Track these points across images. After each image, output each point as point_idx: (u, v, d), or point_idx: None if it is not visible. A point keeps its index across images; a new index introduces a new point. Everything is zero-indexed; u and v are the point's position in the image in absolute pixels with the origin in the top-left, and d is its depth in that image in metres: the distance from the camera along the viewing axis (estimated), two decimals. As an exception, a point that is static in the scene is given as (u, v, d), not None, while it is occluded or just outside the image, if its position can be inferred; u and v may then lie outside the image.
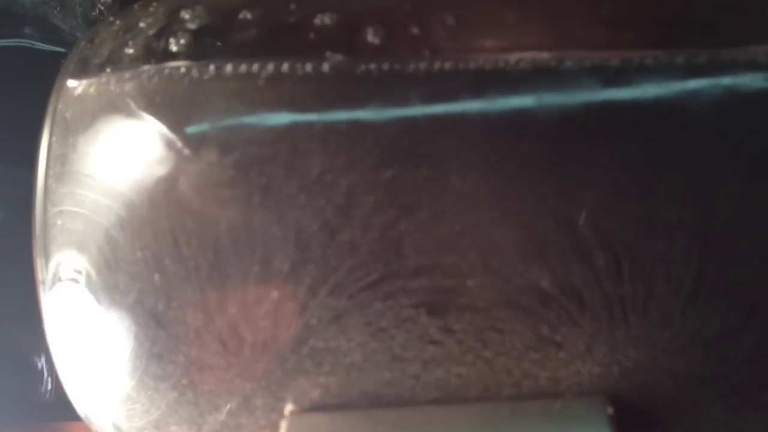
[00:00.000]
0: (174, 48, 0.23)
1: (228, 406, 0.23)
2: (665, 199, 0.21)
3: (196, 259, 0.22)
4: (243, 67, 0.22)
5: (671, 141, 0.21)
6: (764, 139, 0.21)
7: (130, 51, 0.23)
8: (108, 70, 0.23)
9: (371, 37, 0.22)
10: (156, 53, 0.23)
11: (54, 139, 0.24)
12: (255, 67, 0.22)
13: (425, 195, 0.21)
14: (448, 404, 0.22)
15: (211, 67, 0.22)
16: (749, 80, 0.21)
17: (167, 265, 0.22)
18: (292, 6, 0.23)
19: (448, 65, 0.21)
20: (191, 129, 0.22)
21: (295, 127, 0.21)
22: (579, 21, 0.22)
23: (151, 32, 0.23)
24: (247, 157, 0.21)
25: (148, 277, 0.22)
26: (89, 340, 0.23)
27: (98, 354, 0.23)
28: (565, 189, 0.21)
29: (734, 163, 0.21)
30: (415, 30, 0.22)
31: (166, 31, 0.23)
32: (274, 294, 0.22)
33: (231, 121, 0.22)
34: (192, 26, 0.23)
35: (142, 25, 0.24)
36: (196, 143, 0.22)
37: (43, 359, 0.39)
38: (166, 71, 0.22)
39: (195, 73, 0.22)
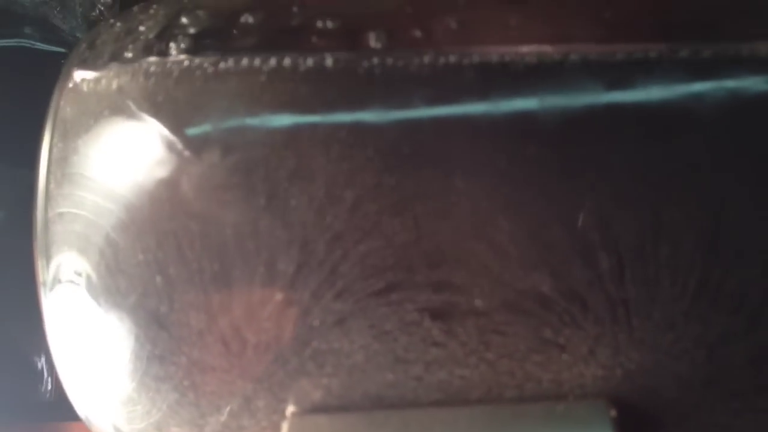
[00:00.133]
0: (174, 51, 0.23)
1: (229, 408, 0.23)
2: (669, 202, 0.21)
3: (199, 261, 0.22)
4: (245, 62, 0.22)
5: (675, 143, 0.21)
6: (766, 140, 0.21)
7: (130, 55, 0.23)
8: (109, 70, 0.23)
9: (373, 41, 0.22)
10: (156, 55, 0.23)
11: (55, 140, 0.24)
12: (257, 61, 0.22)
13: (429, 197, 0.21)
14: (450, 406, 0.22)
15: (213, 64, 0.22)
16: (754, 82, 0.21)
17: (170, 267, 0.22)
18: (294, 9, 0.23)
19: (452, 61, 0.21)
20: (193, 130, 0.22)
21: (297, 128, 0.21)
22: (582, 22, 0.22)
23: (151, 35, 0.23)
24: (250, 158, 0.21)
25: (150, 279, 0.22)
26: (90, 341, 0.23)
27: (99, 356, 0.23)
28: (569, 191, 0.21)
29: (739, 166, 0.21)
30: (418, 32, 0.22)
31: (166, 34, 0.23)
32: (279, 296, 0.22)
33: (233, 122, 0.22)
34: (193, 29, 0.23)
35: (142, 28, 0.24)
36: (197, 144, 0.22)
37: (43, 359, 0.39)
38: (168, 65, 0.22)
39: (196, 69, 0.22)
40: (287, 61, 0.22)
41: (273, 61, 0.22)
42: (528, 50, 0.21)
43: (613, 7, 0.22)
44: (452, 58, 0.21)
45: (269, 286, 0.22)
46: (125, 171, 0.22)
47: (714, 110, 0.21)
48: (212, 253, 0.22)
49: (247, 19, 0.23)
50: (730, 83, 0.21)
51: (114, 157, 0.22)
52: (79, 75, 0.24)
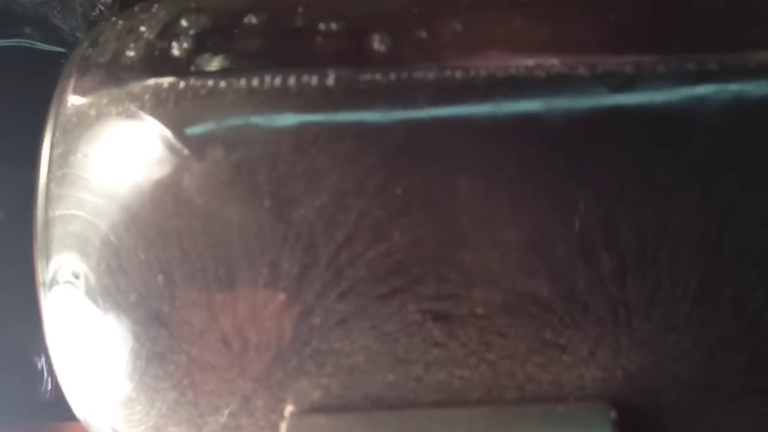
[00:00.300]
0: (176, 53, 0.23)
1: (228, 407, 0.23)
2: (671, 205, 0.21)
3: (202, 259, 0.22)
4: (247, 82, 0.22)
5: (678, 147, 0.21)
6: None
7: (132, 54, 0.23)
8: (109, 74, 0.23)
9: (377, 44, 0.22)
10: (158, 59, 0.23)
11: (56, 141, 0.23)
12: (257, 81, 0.22)
13: (433, 199, 0.21)
14: (450, 407, 0.22)
15: (213, 82, 0.22)
16: (757, 86, 0.21)
17: (171, 266, 0.22)
18: (299, 9, 0.23)
19: (456, 73, 0.21)
20: (194, 129, 0.22)
21: (302, 128, 0.21)
22: (587, 28, 0.22)
23: (152, 36, 0.23)
24: (253, 157, 0.21)
25: (151, 278, 0.22)
26: (89, 342, 0.23)
27: (98, 356, 0.23)
28: (573, 194, 0.21)
29: (741, 169, 0.21)
30: (423, 35, 0.22)
31: (168, 34, 0.23)
32: (282, 296, 0.22)
33: (236, 121, 0.22)
34: (194, 31, 0.23)
35: (143, 28, 0.24)
36: (199, 143, 0.22)
37: (43, 359, 0.39)
38: (167, 85, 0.22)
39: (198, 87, 0.22)
40: (291, 80, 0.22)
41: (278, 80, 0.22)
42: (533, 55, 0.21)
43: (618, 12, 0.22)
44: (457, 65, 0.21)
45: (273, 286, 0.22)
46: (126, 171, 0.22)
47: (717, 114, 0.21)
48: (215, 252, 0.22)
49: (251, 19, 0.23)
50: (733, 87, 0.21)
51: (115, 158, 0.22)
52: (81, 75, 0.24)
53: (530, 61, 0.21)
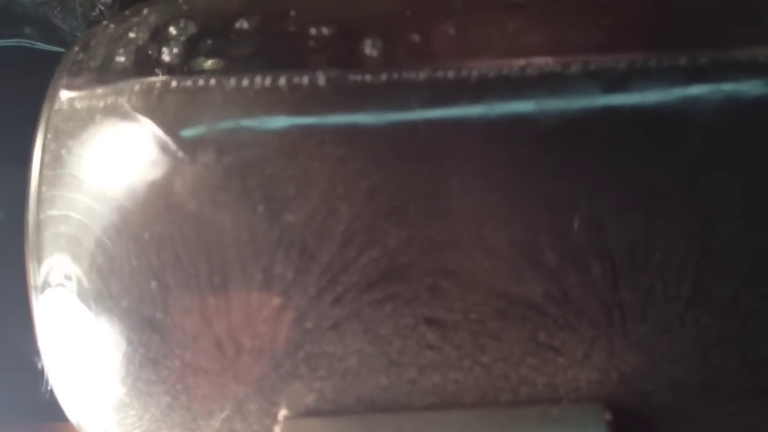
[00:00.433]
0: (167, 58, 0.22)
1: (222, 411, 0.23)
2: (664, 205, 0.21)
3: (195, 265, 0.22)
4: (237, 81, 0.22)
5: (671, 147, 0.21)
6: (764, 145, 0.21)
7: (122, 59, 0.23)
8: (100, 76, 0.23)
9: (369, 49, 0.22)
10: (149, 63, 0.23)
11: (47, 141, 0.23)
12: (248, 81, 0.22)
13: (426, 203, 0.21)
14: (444, 410, 0.22)
15: (206, 81, 0.22)
16: (751, 85, 0.21)
17: (165, 271, 0.22)
18: (291, 13, 0.23)
19: (447, 72, 0.21)
20: (187, 131, 0.22)
21: (293, 131, 0.21)
22: (581, 26, 0.22)
23: (143, 41, 0.23)
24: (245, 160, 0.21)
25: (144, 282, 0.22)
26: (81, 346, 0.23)
27: (90, 360, 0.23)
28: (564, 195, 0.21)
29: (734, 170, 0.21)
30: (415, 38, 0.22)
31: (159, 39, 0.23)
32: (275, 301, 0.21)
33: (228, 123, 0.22)
34: (186, 35, 0.23)
35: (134, 31, 0.24)
36: (192, 145, 0.21)
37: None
38: (158, 85, 0.22)
39: (189, 87, 0.22)
40: (282, 81, 0.21)
41: (268, 81, 0.22)
42: (527, 56, 0.21)
43: (611, 12, 0.22)
44: (449, 66, 0.21)
45: (266, 291, 0.21)
46: (118, 172, 0.22)
47: (710, 114, 0.21)
48: (208, 256, 0.21)
49: (243, 24, 0.23)
50: (727, 87, 0.21)
51: (107, 158, 0.22)
52: (72, 77, 0.24)
53: (522, 60, 0.21)
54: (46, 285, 0.23)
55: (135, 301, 0.22)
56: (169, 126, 0.22)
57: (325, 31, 0.22)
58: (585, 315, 0.21)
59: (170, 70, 0.22)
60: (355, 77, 0.21)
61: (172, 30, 0.23)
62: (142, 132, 0.22)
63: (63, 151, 0.23)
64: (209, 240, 0.21)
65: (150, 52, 0.23)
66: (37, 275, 0.23)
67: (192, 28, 0.23)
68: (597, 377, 0.22)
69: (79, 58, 0.24)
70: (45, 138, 0.23)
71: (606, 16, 0.22)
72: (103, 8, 0.34)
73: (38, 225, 0.23)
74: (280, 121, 0.21)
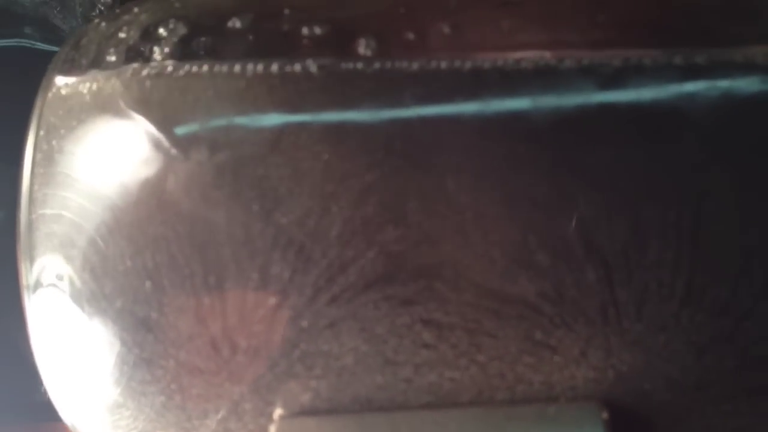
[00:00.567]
0: (158, 55, 0.22)
1: (217, 411, 0.23)
2: (658, 203, 0.21)
3: (190, 265, 0.21)
4: (229, 68, 0.22)
5: (666, 144, 0.21)
6: (759, 143, 0.21)
7: (113, 59, 0.23)
8: (91, 74, 0.23)
9: (363, 48, 0.22)
10: (140, 58, 0.23)
11: (39, 139, 0.23)
12: (239, 68, 0.22)
13: (421, 202, 0.21)
14: (440, 408, 0.22)
15: (198, 67, 0.22)
16: (746, 83, 0.21)
17: (159, 270, 0.22)
18: (285, 11, 0.23)
19: (442, 65, 0.21)
20: (181, 128, 0.22)
21: (286, 128, 0.21)
22: (576, 23, 0.22)
23: (134, 40, 0.23)
24: (239, 158, 0.21)
25: (138, 282, 0.22)
26: (75, 347, 0.23)
27: (84, 361, 0.23)
28: (558, 193, 0.21)
29: (729, 167, 0.21)
30: (410, 36, 0.22)
31: (150, 37, 0.23)
32: (271, 300, 0.21)
33: (222, 120, 0.21)
34: (178, 33, 0.23)
35: (125, 29, 0.24)
36: (186, 142, 0.21)
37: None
38: (153, 71, 0.22)
39: (183, 73, 0.22)
40: (274, 67, 0.21)
41: (260, 67, 0.21)
42: (522, 54, 0.21)
43: (607, 9, 0.22)
44: (444, 58, 0.21)
45: (262, 291, 0.21)
46: (111, 170, 0.22)
47: (706, 110, 0.21)
48: (203, 255, 0.21)
49: (235, 23, 0.23)
50: (722, 83, 0.21)
51: (99, 156, 0.22)
52: (64, 73, 0.23)
53: (518, 54, 0.21)
54: (38, 285, 0.23)
55: (129, 301, 0.22)
56: (162, 121, 0.22)
57: (318, 30, 0.22)
58: (580, 313, 0.21)
59: (162, 70, 0.22)
60: (347, 65, 0.21)
61: (163, 29, 0.23)
62: (135, 129, 0.22)
63: (55, 149, 0.23)
64: (203, 239, 0.21)
65: (140, 52, 0.23)
66: (29, 275, 0.23)
67: (184, 27, 0.23)
68: (593, 376, 0.22)
69: (71, 56, 0.24)
70: (37, 136, 0.23)
71: (601, 14, 0.22)
72: (103, 8, 0.34)
73: (30, 224, 0.23)
74: (272, 119, 0.21)
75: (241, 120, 0.21)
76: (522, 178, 0.21)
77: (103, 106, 0.22)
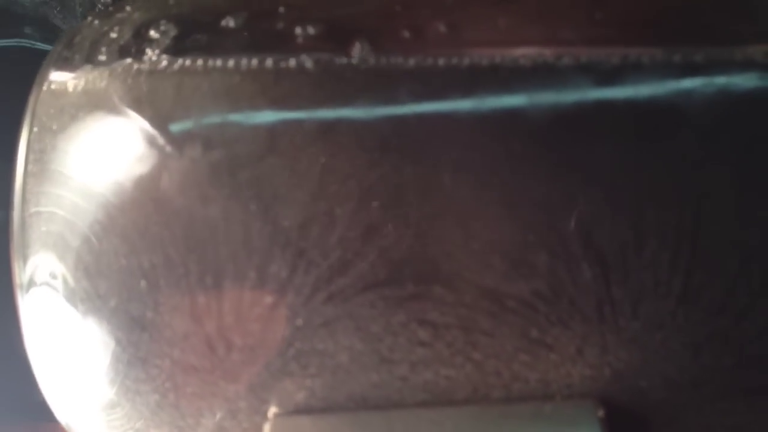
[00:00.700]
0: (150, 54, 0.22)
1: (211, 409, 0.23)
2: (655, 201, 0.21)
3: (185, 263, 0.21)
4: (224, 63, 0.22)
5: (663, 141, 0.21)
6: (756, 140, 0.21)
7: (104, 58, 0.23)
8: (84, 71, 0.23)
9: (359, 49, 0.22)
10: (133, 55, 0.23)
11: (32, 137, 0.23)
12: (233, 62, 0.21)
13: (418, 201, 0.21)
14: (436, 407, 0.22)
15: (193, 62, 0.22)
16: (743, 80, 0.21)
17: (154, 269, 0.22)
18: (280, 10, 0.23)
19: (439, 62, 0.21)
20: (175, 125, 0.21)
21: (282, 125, 0.21)
22: (574, 20, 0.22)
23: (126, 39, 0.23)
24: (232, 157, 0.21)
25: (133, 281, 0.22)
26: (69, 346, 0.23)
27: (78, 360, 0.23)
28: (555, 191, 0.21)
29: (726, 164, 0.21)
30: (406, 34, 0.22)
31: (143, 35, 0.23)
32: (267, 299, 0.21)
33: (217, 117, 0.21)
34: (171, 32, 0.23)
35: (115, 33, 0.23)
36: (180, 139, 0.21)
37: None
38: (146, 67, 0.22)
39: (177, 68, 0.22)
40: (269, 62, 0.21)
41: (254, 62, 0.21)
42: (519, 51, 0.21)
43: (605, 9, 0.22)
44: (440, 55, 0.21)
45: (258, 289, 0.21)
46: (104, 167, 0.22)
47: (703, 107, 0.21)
48: (198, 254, 0.21)
49: (229, 22, 0.23)
50: (719, 80, 0.21)
51: (93, 153, 0.22)
52: (57, 72, 0.23)
53: (515, 52, 0.21)
54: (31, 284, 0.23)
55: (123, 300, 0.22)
56: (156, 118, 0.21)
57: (314, 27, 0.22)
58: (577, 311, 0.21)
59: (157, 59, 0.22)
60: (343, 61, 0.21)
61: (157, 27, 0.23)
62: (128, 125, 0.22)
63: (48, 147, 0.23)
64: (199, 237, 0.21)
65: (135, 47, 0.23)
66: (22, 273, 0.23)
67: (177, 25, 0.23)
68: (590, 373, 0.22)
69: (64, 54, 0.24)
70: (30, 133, 0.23)
71: (599, 12, 0.22)
72: (103, 8, 0.34)
73: (23, 222, 0.23)
74: (266, 116, 0.21)
75: (236, 117, 0.21)
76: (519, 176, 0.21)
77: (96, 102, 0.22)
